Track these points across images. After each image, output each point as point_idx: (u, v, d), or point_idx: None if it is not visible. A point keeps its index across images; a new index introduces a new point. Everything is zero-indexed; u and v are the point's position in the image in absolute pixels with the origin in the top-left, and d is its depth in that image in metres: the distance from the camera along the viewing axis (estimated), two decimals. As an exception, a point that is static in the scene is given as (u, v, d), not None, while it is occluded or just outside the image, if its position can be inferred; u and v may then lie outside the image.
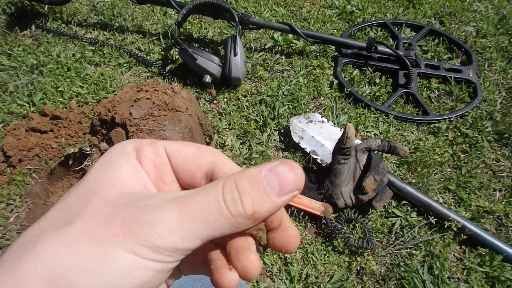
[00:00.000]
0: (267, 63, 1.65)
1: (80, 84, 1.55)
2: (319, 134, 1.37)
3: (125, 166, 0.30)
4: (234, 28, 1.57)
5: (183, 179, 0.32)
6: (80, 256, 0.24)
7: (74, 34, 1.72)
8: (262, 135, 1.43)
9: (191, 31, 1.76)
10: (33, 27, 1.75)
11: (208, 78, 1.48)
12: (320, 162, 1.32)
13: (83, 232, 0.25)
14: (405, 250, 1.19)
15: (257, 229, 0.29)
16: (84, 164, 1.32)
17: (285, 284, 1.13)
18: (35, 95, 1.50)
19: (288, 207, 1.23)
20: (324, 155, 1.33)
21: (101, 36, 1.74)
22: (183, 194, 0.27)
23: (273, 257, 1.16)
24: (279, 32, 1.71)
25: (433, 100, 1.56)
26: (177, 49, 1.62)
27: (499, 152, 1.40)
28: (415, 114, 1.50)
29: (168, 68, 1.61)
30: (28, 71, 1.59)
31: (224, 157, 0.32)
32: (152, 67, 1.62)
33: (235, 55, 1.45)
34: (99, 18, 1.81)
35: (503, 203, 1.28)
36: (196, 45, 1.65)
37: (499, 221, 1.25)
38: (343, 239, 1.17)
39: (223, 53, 1.49)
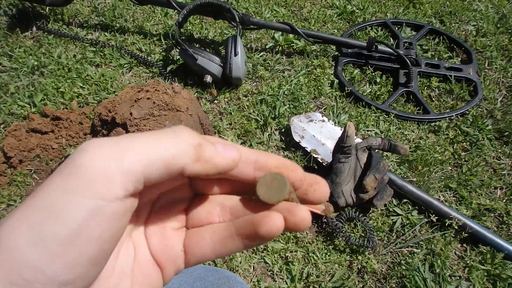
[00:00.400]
0: (268, 63, 1.65)
1: (81, 84, 1.56)
2: (319, 133, 1.37)
3: None
4: (235, 28, 1.58)
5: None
6: (18, 225, 0.23)
7: (75, 35, 1.73)
8: (263, 135, 1.43)
9: (192, 32, 1.76)
10: (34, 28, 1.75)
11: (209, 78, 1.49)
12: (321, 161, 1.32)
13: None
14: (406, 249, 1.19)
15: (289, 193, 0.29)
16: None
17: (286, 283, 1.13)
18: (36, 96, 1.50)
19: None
20: (324, 154, 1.33)
21: (102, 37, 1.75)
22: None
23: (274, 257, 1.17)
24: (280, 32, 1.71)
25: (433, 99, 1.57)
26: (178, 50, 1.63)
27: (500, 150, 1.40)
28: (415, 112, 1.50)
29: (169, 68, 1.62)
30: (29, 72, 1.59)
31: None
32: (153, 68, 1.63)
33: (235, 55, 1.45)
34: (100, 19, 1.82)
35: (504, 201, 1.28)
36: (197, 46, 1.65)
37: (500, 219, 1.25)
38: (344, 238, 1.17)
39: (224, 53, 1.50)
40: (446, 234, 1.18)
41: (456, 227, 1.16)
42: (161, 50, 1.70)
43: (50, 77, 1.58)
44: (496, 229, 1.23)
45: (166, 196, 0.33)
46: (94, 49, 1.69)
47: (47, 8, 1.82)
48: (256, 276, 1.14)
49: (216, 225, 0.32)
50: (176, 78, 1.58)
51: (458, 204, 1.28)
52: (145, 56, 1.66)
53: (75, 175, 0.23)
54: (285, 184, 0.28)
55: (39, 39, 1.73)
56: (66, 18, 1.82)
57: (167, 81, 1.56)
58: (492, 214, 1.26)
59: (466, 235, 1.17)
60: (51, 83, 1.55)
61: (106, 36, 1.75)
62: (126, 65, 1.64)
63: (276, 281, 1.14)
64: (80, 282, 0.24)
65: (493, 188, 1.32)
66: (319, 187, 0.31)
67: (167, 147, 0.25)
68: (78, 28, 1.78)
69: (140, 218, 0.31)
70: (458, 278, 1.14)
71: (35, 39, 1.74)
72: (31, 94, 1.51)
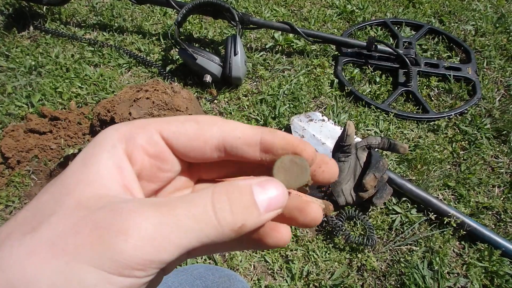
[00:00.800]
0: (268, 62, 1.66)
1: (79, 85, 1.56)
2: (319, 133, 1.37)
3: (105, 162, 0.27)
4: (234, 28, 1.58)
5: (192, 158, 0.30)
6: (41, 269, 0.22)
7: (73, 35, 1.73)
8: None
9: (191, 31, 1.76)
10: (31, 28, 1.75)
11: (208, 78, 1.49)
12: (321, 160, 1.32)
13: (49, 240, 0.22)
14: (405, 246, 1.19)
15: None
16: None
17: (286, 282, 1.13)
18: (34, 96, 1.50)
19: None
20: (325, 153, 1.33)
21: (101, 37, 1.75)
22: (165, 200, 0.25)
23: (274, 255, 1.17)
24: (280, 32, 1.71)
25: (432, 98, 1.57)
26: (177, 49, 1.63)
27: (498, 149, 1.41)
28: (415, 112, 1.51)
29: (168, 68, 1.62)
30: (27, 72, 1.59)
31: (230, 123, 0.29)
32: (152, 68, 1.63)
33: (235, 54, 1.45)
34: (98, 18, 1.82)
35: (502, 199, 1.29)
36: (196, 45, 1.65)
37: (498, 217, 1.26)
38: (344, 236, 1.18)
39: (224, 53, 1.50)
40: (445, 232, 1.19)
41: (455, 225, 1.17)
42: (160, 50, 1.71)
43: (48, 77, 1.58)
44: (494, 227, 1.24)
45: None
46: (93, 48, 1.69)
47: (44, 7, 1.82)
48: (256, 275, 1.15)
49: None
50: (175, 78, 1.58)
51: (456, 202, 1.29)
52: (144, 56, 1.66)
53: (114, 258, 0.22)
54: (306, 169, 0.28)
55: (36, 39, 1.73)
56: (63, 17, 1.82)
57: (167, 81, 1.57)
58: (490, 212, 1.27)
59: (464, 233, 1.17)
60: (49, 83, 1.55)
61: (105, 35, 1.75)
62: (125, 65, 1.64)
63: (276, 280, 1.14)
64: None
65: (491, 186, 1.33)
66: (328, 167, 0.30)
67: (207, 235, 0.24)
68: (76, 28, 1.78)
69: None
70: (456, 275, 1.14)
71: (32, 38, 1.74)
72: (29, 94, 1.51)
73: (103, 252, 0.22)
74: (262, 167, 0.29)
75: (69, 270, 0.22)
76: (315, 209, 0.28)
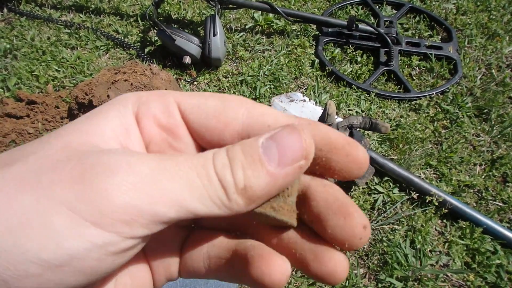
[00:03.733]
0: (248, 43, 1.63)
1: (56, 68, 1.51)
2: (301, 113, 1.36)
3: (112, 119, 0.23)
4: (213, 8, 1.54)
5: (207, 142, 0.25)
6: (3, 206, 0.18)
7: (48, 17, 1.67)
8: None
9: (169, 12, 1.72)
10: (5, 10, 1.69)
11: (187, 59, 1.46)
12: (303, 141, 1.31)
13: (20, 175, 0.19)
14: (388, 226, 1.19)
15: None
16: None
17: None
18: (10, 80, 1.45)
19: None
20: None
21: (77, 19, 1.69)
22: (173, 154, 0.21)
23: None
24: (260, 12, 1.68)
25: (414, 77, 1.57)
26: (155, 31, 1.59)
27: (479, 127, 1.41)
28: (396, 91, 1.50)
29: (146, 50, 1.58)
30: (1, 56, 1.54)
31: (261, 107, 0.24)
32: (130, 50, 1.59)
33: (214, 35, 1.42)
34: (74, 0, 1.76)
35: (483, 177, 1.29)
36: (175, 26, 1.61)
37: (479, 195, 1.26)
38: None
39: (203, 34, 1.47)
40: (427, 211, 1.19)
41: (437, 204, 1.17)
42: (138, 32, 1.66)
43: (24, 60, 1.53)
44: (475, 205, 1.24)
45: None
46: (69, 31, 1.64)
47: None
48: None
49: (220, 237, 0.26)
50: (154, 60, 1.54)
51: (438, 181, 1.29)
52: (122, 38, 1.62)
53: (93, 198, 0.18)
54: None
55: (10, 21, 1.67)
56: (38, -1, 1.76)
57: (145, 62, 1.53)
58: (472, 190, 1.27)
59: (446, 211, 1.18)
60: (25, 67, 1.50)
61: (81, 17, 1.70)
62: (102, 47, 1.60)
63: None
64: None
65: (472, 164, 1.33)
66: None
67: (211, 197, 0.20)
68: (52, 10, 1.72)
69: None
70: (438, 253, 1.15)
71: (7, 21, 1.68)
72: (4, 78, 1.46)
73: (82, 191, 0.18)
74: None
75: (36, 210, 0.18)
76: (337, 255, 0.22)
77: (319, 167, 0.23)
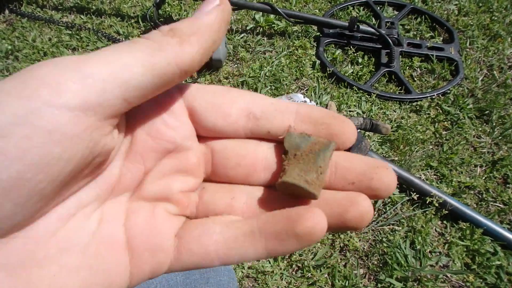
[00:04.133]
0: (249, 44, 1.63)
1: (58, 68, 1.51)
2: (301, 114, 1.36)
3: None
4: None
5: (211, 122, 0.24)
6: None
7: (49, 18, 1.68)
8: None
9: (170, 13, 1.72)
10: (7, 11, 1.70)
11: (188, 60, 1.46)
12: (303, 142, 1.31)
13: None
14: (388, 227, 1.19)
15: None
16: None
17: (269, 263, 1.13)
18: (11, 81, 1.46)
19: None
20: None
21: (78, 20, 1.70)
22: None
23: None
24: (261, 13, 1.68)
25: (415, 79, 1.56)
26: (156, 32, 1.59)
27: (480, 129, 1.41)
28: (397, 92, 1.50)
29: (147, 51, 1.58)
30: (3, 57, 1.55)
31: (264, 95, 0.25)
32: (132, 50, 1.59)
33: (215, 36, 1.42)
34: (75, 1, 1.77)
35: (484, 178, 1.29)
36: (176, 27, 1.61)
37: (480, 196, 1.26)
38: (326, 218, 1.17)
39: (203, 34, 1.47)
40: (427, 212, 1.19)
41: (437, 205, 1.17)
42: (139, 33, 1.67)
43: (25, 61, 1.54)
44: (475, 206, 1.24)
45: (172, 158, 0.24)
46: (70, 32, 1.65)
47: (20, -10, 1.76)
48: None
49: (231, 217, 0.24)
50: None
51: (439, 182, 1.29)
52: (123, 39, 1.62)
53: (15, 77, 0.17)
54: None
55: (12, 23, 1.68)
56: (39, 0, 1.76)
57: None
58: (472, 192, 1.27)
59: (447, 212, 1.18)
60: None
61: (82, 19, 1.71)
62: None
63: (259, 261, 1.14)
64: None
65: (473, 166, 1.33)
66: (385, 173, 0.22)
67: (141, 49, 0.20)
68: (53, 11, 1.73)
69: (125, 185, 0.23)
70: (438, 254, 1.15)
71: (8, 22, 1.68)
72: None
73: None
74: None
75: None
76: (364, 201, 0.22)
77: (321, 130, 0.24)
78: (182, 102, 0.24)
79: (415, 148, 1.33)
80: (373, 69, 1.58)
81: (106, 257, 0.21)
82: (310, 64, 1.56)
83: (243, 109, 0.24)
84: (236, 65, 1.57)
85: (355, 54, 1.59)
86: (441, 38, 1.70)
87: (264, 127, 0.24)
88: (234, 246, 0.22)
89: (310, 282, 1.10)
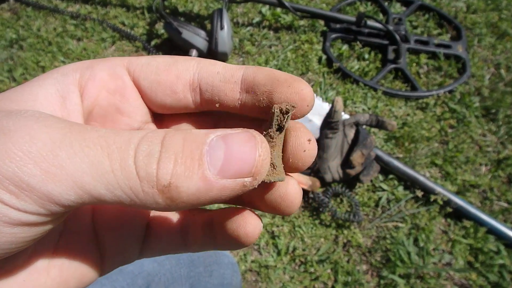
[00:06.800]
0: (255, 38, 1.62)
1: (62, 59, 1.51)
2: (306, 109, 1.35)
3: (47, 87, 0.21)
4: (221, 1, 1.53)
5: (160, 100, 0.23)
6: None
7: (54, 8, 1.67)
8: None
9: (176, 5, 1.71)
10: (12, 0, 1.69)
11: (194, 53, 1.45)
12: (308, 137, 1.30)
13: None
14: (391, 223, 1.19)
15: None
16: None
17: (272, 257, 1.13)
18: (15, 70, 1.46)
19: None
20: (311, 130, 1.31)
21: (83, 10, 1.69)
22: (88, 125, 0.19)
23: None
24: (267, 6, 1.67)
25: (421, 76, 1.55)
26: (162, 23, 1.58)
27: (486, 127, 1.40)
28: (403, 89, 1.49)
29: (153, 42, 1.57)
30: (7, 46, 1.54)
31: (211, 60, 0.23)
32: (137, 42, 1.58)
33: (221, 29, 1.41)
34: (82, -9, 1.76)
35: (489, 177, 1.29)
36: (182, 19, 1.61)
37: (484, 195, 1.26)
38: (330, 213, 1.17)
39: (210, 27, 1.46)
40: (431, 209, 1.18)
41: (441, 203, 1.17)
42: (144, 24, 1.66)
43: (30, 50, 1.53)
44: (480, 205, 1.24)
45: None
46: (75, 22, 1.64)
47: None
48: (242, 250, 1.14)
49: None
50: (160, 53, 1.54)
51: (443, 180, 1.28)
52: (128, 30, 1.62)
53: None
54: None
55: (17, 11, 1.67)
56: (45, -11, 1.75)
57: (151, 55, 1.52)
58: (476, 190, 1.26)
59: (451, 210, 1.17)
60: (31, 57, 1.50)
61: (87, 8, 1.70)
62: (108, 39, 1.59)
63: (262, 255, 1.13)
64: None
65: (478, 164, 1.32)
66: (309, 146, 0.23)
67: (121, 186, 0.17)
68: (58, 0, 1.72)
69: None
70: (441, 251, 1.15)
71: (13, 11, 1.67)
72: (10, 68, 1.47)
73: None
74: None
75: None
76: (292, 191, 0.23)
77: (263, 100, 0.22)
78: (131, 84, 0.23)
79: (420, 146, 1.33)
80: (379, 65, 1.57)
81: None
82: (316, 59, 1.55)
83: (189, 83, 0.23)
84: (241, 59, 1.56)
85: (362, 50, 1.58)
86: (449, 36, 1.69)
87: (212, 100, 0.23)
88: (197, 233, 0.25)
89: (313, 277, 1.09)
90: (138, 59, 0.24)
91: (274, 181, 0.21)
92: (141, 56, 0.24)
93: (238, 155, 0.18)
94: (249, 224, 0.22)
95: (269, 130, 0.21)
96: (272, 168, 0.21)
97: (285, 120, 0.21)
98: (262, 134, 0.20)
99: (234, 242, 0.22)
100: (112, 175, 0.17)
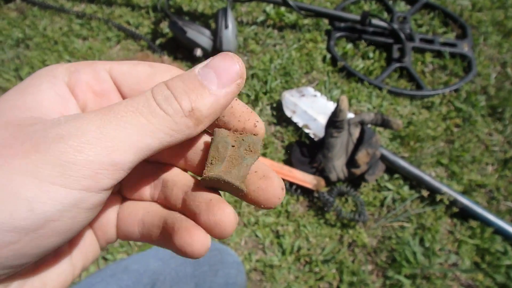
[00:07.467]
0: (259, 36, 1.62)
1: (68, 58, 1.51)
2: (311, 108, 1.35)
3: (46, 91, 0.24)
4: (225, 0, 1.53)
5: None
6: None
7: (60, 7, 1.68)
8: (254, 110, 1.40)
9: (181, 4, 1.71)
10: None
11: (198, 52, 1.45)
12: (313, 136, 1.30)
13: None
14: (397, 223, 1.19)
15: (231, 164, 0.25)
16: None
17: (277, 256, 1.12)
18: (22, 69, 1.46)
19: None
20: (316, 129, 1.31)
21: (89, 9, 1.69)
22: (107, 106, 0.22)
23: (265, 230, 1.16)
24: (271, 5, 1.67)
25: (427, 75, 1.55)
26: (167, 22, 1.58)
27: (492, 127, 1.39)
28: (408, 88, 1.48)
29: (158, 41, 1.57)
30: (14, 45, 1.55)
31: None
32: (142, 41, 1.58)
33: (226, 28, 1.41)
34: (86, -10, 1.76)
35: (495, 176, 1.28)
36: (187, 18, 1.61)
37: (491, 195, 1.25)
38: (335, 212, 1.17)
39: (214, 26, 1.46)
40: (437, 209, 1.18)
41: (447, 202, 1.16)
42: (149, 23, 1.66)
43: (36, 49, 1.54)
44: (486, 205, 1.23)
45: None
46: (81, 21, 1.64)
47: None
48: (247, 249, 1.14)
49: (155, 205, 0.28)
50: (165, 52, 1.54)
51: (449, 180, 1.28)
52: (133, 29, 1.62)
53: (53, 163, 0.19)
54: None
55: (23, 11, 1.67)
56: (51, -11, 1.76)
57: (157, 54, 1.52)
58: (483, 190, 1.26)
59: (457, 210, 1.17)
60: (37, 56, 1.51)
61: (93, 8, 1.70)
62: (113, 38, 1.60)
63: (267, 254, 1.13)
64: (21, 267, 0.21)
65: (484, 164, 1.31)
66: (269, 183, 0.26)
67: (160, 128, 0.22)
68: (64, 0, 1.72)
69: None
70: (447, 252, 1.14)
71: (19, 10, 1.68)
72: (17, 67, 1.47)
73: (41, 159, 0.19)
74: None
75: (1, 185, 0.19)
76: (275, 187, 0.26)
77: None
78: (115, 88, 0.26)
79: (426, 145, 1.32)
80: (384, 64, 1.56)
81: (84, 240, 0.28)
82: (320, 57, 1.55)
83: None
84: (246, 58, 1.56)
85: (366, 49, 1.58)
86: (454, 34, 1.68)
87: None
88: (148, 232, 0.27)
89: (318, 277, 1.09)
90: (120, 64, 0.26)
91: (232, 186, 0.25)
92: (121, 61, 0.26)
93: (223, 69, 0.23)
94: (196, 241, 0.24)
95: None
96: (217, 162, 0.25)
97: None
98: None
99: (182, 255, 0.24)
100: (151, 125, 0.22)
